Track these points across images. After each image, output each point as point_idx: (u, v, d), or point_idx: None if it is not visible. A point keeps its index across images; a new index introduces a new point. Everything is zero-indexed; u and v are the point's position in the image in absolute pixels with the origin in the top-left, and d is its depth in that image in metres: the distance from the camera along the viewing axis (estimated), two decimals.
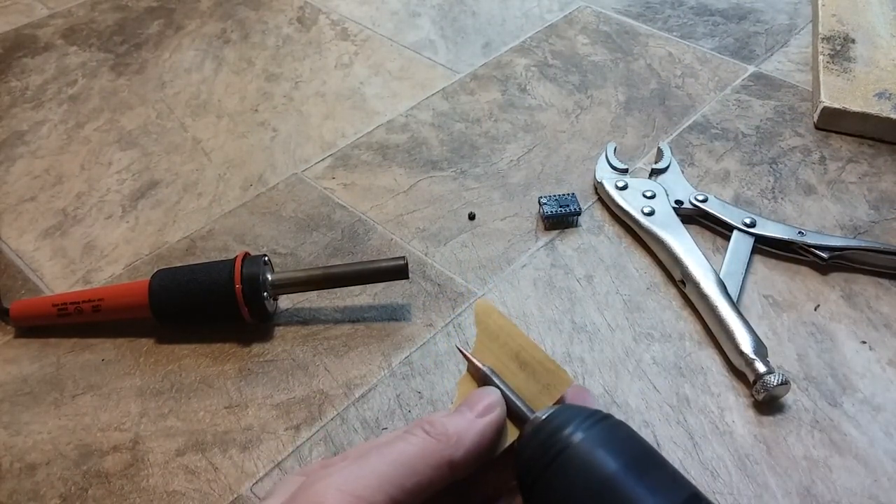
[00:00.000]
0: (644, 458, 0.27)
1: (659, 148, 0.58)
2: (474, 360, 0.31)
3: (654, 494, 0.25)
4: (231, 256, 0.49)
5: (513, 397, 0.30)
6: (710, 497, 0.39)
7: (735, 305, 0.46)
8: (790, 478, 0.40)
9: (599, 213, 0.55)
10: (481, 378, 0.31)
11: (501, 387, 0.30)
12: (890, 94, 0.61)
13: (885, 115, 0.59)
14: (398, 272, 0.46)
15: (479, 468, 0.29)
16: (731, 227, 0.52)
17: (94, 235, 0.55)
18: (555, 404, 0.30)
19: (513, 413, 0.30)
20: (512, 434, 0.30)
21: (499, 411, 0.29)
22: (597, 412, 0.28)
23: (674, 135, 0.62)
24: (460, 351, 0.32)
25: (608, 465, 0.26)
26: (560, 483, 0.26)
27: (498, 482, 0.31)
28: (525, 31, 0.74)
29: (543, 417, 0.28)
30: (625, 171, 0.57)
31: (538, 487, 0.27)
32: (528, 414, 0.29)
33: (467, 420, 0.28)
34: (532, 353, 0.31)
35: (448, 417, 0.28)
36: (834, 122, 0.61)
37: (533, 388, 0.31)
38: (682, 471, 0.40)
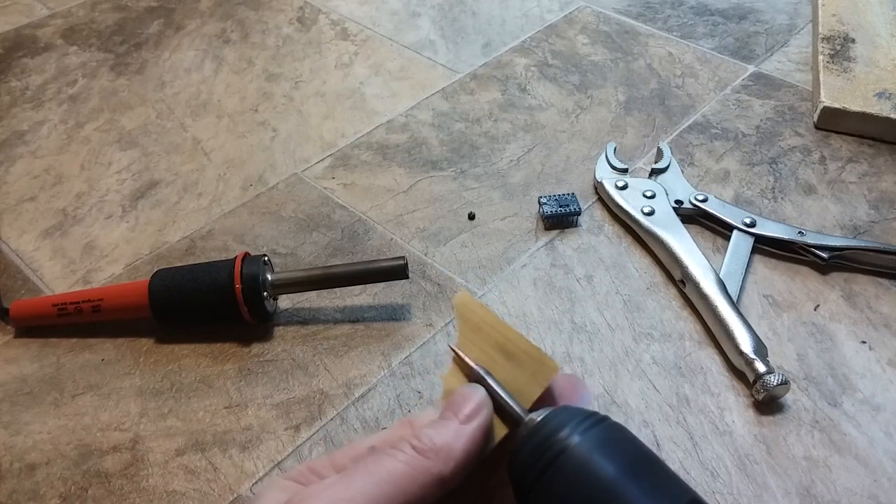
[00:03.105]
0: (643, 462, 0.26)
1: (659, 148, 0.58)
2: (468, 361, 0.31)
3: (654, 499, 0.25)
4: (231, 256, 0.49)
5: (506, 397, 0.29)
6: (710, 500, 0.39)
7: (735, 305, 0.46)
8: (790, 478, 0.40)
9: (599, 213, 0.55)
10: (474, 377, 0.30)
11: (495, 386, 0.30)
12: (890, 93, 0.61)
13: (885, 114, 0.59)
14: (398, 272, 0.46)
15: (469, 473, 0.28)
16: (731, 227, 0.52)
17: (94, 235, 0.55)
18: (547, 402, 0.30)
19: (506, 413, 0.29)
20: (500, 432, 0.30)
21: (485, 413, 0.29)
22: (594, 414, 0.28)
23: (674, 135, 0.62)
24: (454, 350, 0.31)
25: (606, 469, 0.25)
26: (557, 487, 0.26)
27: (486, 480, 0.31)
28: (525, 31, 0.74)
29: (539, 420, 0.28)
30: (625, 171, 0.57)
31: (535, 492, 0.27)
32: (523, 415, 0.29)
33: (454, 429, 0.28)
34: (516, 342, 0.31)
35: (434, 429, 0.28)
36: (834, 122, 0.61)
37: (520, 378, 0.30)
38: (681, 471, 0.40)
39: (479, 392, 0.29)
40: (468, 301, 0.33)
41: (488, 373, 0.30)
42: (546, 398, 0.31)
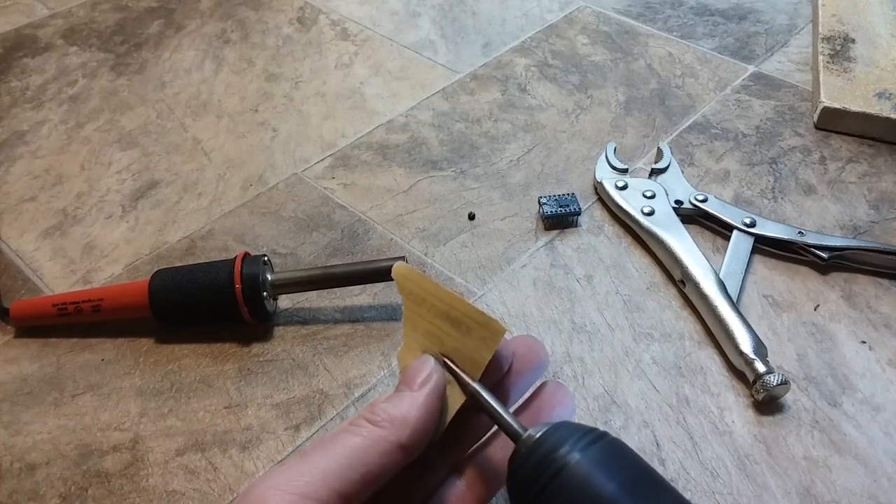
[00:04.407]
0: (643, 479, 0.26)
1: (659, 148, 0.58)
2: (463, 376, 0.30)
3: None
4: (231, 256, 0.49)
5: (504, 413, 0.29)
6: (710, 500, 0.39)
7: (735, 305, 0.46)
8: (790, 478, 0.40)
9: (599, 213, 0.55)
10: (470, 394, 0.30)
11: (491, 401, 0.30)
12: (890, 94, 0.61)
13: (885, 115, 0.59)
14: None
15: (433, 441, 0.29)
16: (730, 227, 0.52)
17: (94, 235, 0.55)
18: (502, 366, 0.30)
19: (506, 429, 0.29)
20: (457, 401, 0.30)
21: (436, 378, 0.29)
22: (593, 430, 0.28)
23: (674, 135, 0.62)
24: (449, 363, 0.31)
25: (607, 488, 0.25)
26: None
27: (456, 453, 0.31)
28: (525, 31, 0.74)
29: (537, 436, 0.28)
30: (625, 171, 0.57)
31: None
32: (521, 431, 0.29)
33: (408, 398, 0.28)
34: (461, 309, 0.30)
35: (389, 401, 0.28)
36: (834, 122, 0.61)
37: (469, 344, 0.30)
38: (681, 471, 0.40)
39: (429, 361, 0.30)
40: (407, 273, 0.32)
41: (485, 388, 0.30)
42: (499, 361, 0.31)
